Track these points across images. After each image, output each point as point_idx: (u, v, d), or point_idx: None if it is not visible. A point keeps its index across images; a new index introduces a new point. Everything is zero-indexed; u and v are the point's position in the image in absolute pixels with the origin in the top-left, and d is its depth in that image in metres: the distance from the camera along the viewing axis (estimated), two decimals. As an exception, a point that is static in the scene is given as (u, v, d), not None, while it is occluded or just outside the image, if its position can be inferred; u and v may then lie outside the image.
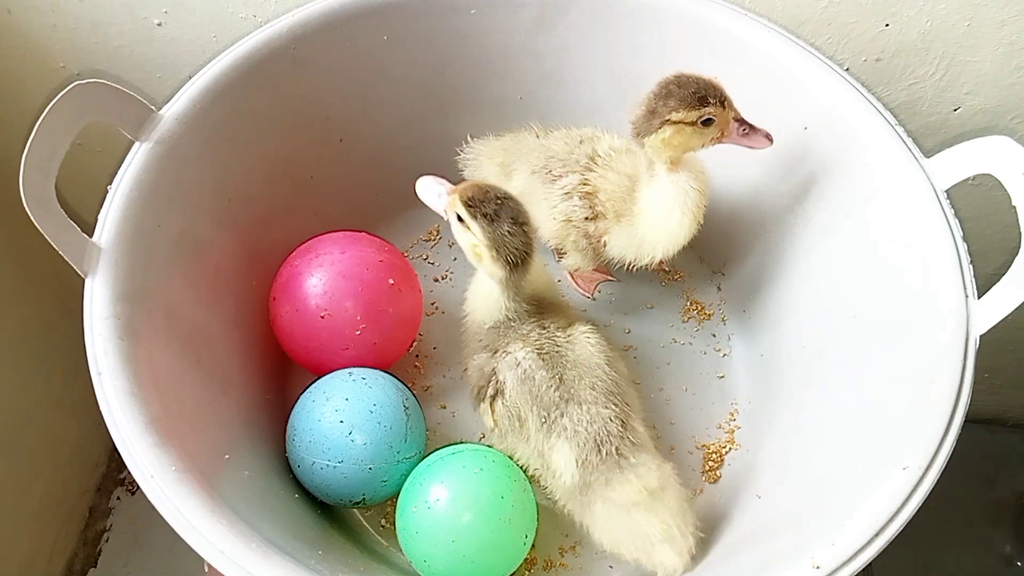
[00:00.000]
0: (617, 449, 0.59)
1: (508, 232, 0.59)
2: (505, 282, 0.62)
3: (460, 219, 0.60)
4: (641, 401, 0.68)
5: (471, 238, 0.60)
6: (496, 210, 0.59)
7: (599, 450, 0.59)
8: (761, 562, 0.53)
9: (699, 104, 0.61)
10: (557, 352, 0.63)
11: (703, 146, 0.63)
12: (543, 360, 0.62)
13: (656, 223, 0.67)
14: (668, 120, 0.61)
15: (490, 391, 0.63)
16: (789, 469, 0.63)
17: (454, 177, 0.78)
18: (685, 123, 0.61)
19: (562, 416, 0.61)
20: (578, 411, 0.60)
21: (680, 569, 0.58)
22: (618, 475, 0.58)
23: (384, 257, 0.68)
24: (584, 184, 0.69)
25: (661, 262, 0.76)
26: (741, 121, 0.63)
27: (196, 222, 0.64)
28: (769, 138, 0.63)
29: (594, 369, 0.62)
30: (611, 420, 0.60)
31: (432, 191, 0.64)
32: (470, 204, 0.59)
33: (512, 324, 0.65)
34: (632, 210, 0.68)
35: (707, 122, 0.61)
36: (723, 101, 0.61)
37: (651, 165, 0.66)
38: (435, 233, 0.84)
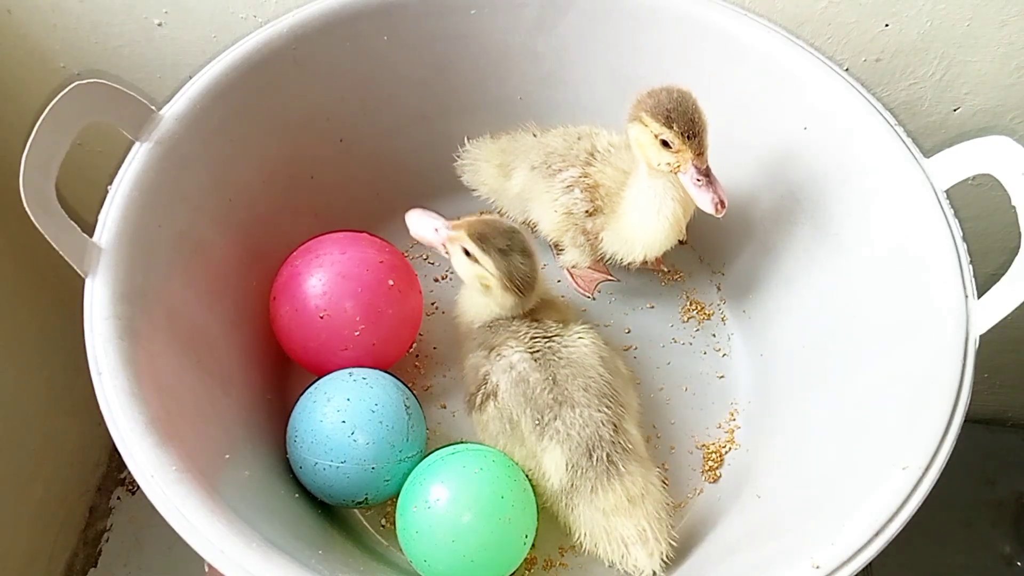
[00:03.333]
0: (608, 456, 0.60)
1: (520, 264, 0.62)
2: (512, 307, 0.65)
3: (467, 253, 0.63)
4: (640, 401, 0.69)
5: (478, 270, 0.63)
6: (508, 244, 0.62)
7: (590, 456, 0.60)
8: (761, 562, 0.53)
9: (663, 121, 0.60)
10: (550, 349, 0.64)
11: (658, 165, 0.62)
12: (536, 362, 0.63)
13: (635, 224, 0.68)
14: (639, 117, 0.61)
15: (479, 398, 0.64)
16: (789, 469, 0.63)
17: (452, 183, 0.78)
18: (650, 129, 0.61)
19: (555, 419, 0.61)
20: (571, 414, 0.61)
21: (650, 572, 0.59)
22: (605, 484, 0.59)
23: (384, 258, 0.68)
24: (585, 177, 0.70)
25: (659, 261, 0.77)
26: (702, 171, 0.60)
27: (196, 222, 0.64)
28: (718, 206, 0.60)
29: (587, 369, 0.63)
30: (603, 424, 0.61)
31: (427, 226, 0.65)
32: (482, 240, 0.62)
33: (502, 323, 0.66)
34: (621, 207, 0.69)
35: (664, 144, 0.60)
36: (688, 137, 0.59)
37: (637, 164, 0.66)
38: (435, 233, 0.84)
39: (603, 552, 0.60)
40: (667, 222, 0.66)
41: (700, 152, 0.60)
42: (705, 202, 0.61)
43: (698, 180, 0.61)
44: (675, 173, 0.62)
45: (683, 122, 0.59)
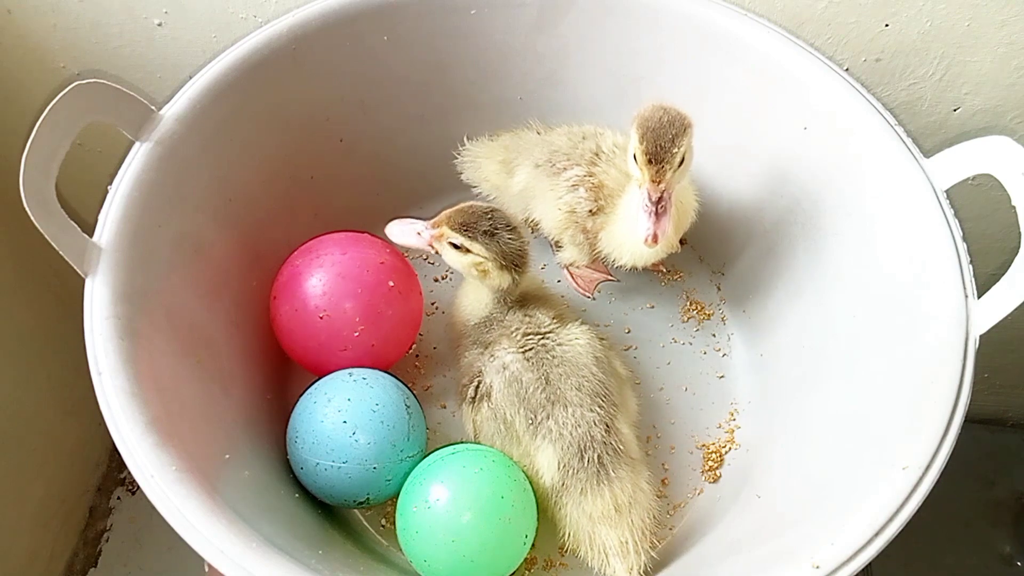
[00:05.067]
0: (599, 457, 0.60)
1: (509, 239, 0.63)
2: (508, 287, 0.65)
3: (455, 246, 0.63)
4: (639, 401, 0.69)
5: (472, 258, 0.63)
6: (491, 225, 0.62)
7: (582, 456, 0.60)
8: (761, 562, 0.53)
9: (640, 135, 0.59)
10: (543, 347, 0.64)
11: (633, 180, 0.62)
12: (529, 361, 0.63)
13: (626, 230, 0.68)
14: (632, 122, 0.61)
15: (471, 392, 0.65)
16: (789, 469, 0.63)
17: (451, 177, 0.78)
18: (631, 138, 0.61)
19: (548, 418, 0.61)
20: (563, 413, 0.61)
21: None
22: (594, 487, 0.60)
23: (385, 259, 0.68)
24: (590, 176, 0.70)
25: (659, 261, 0.77)
26: (654, 199, 0.60)
27: (196, 222, 0.64)
28: (648, 238, 0.60)
29: (580, 369, 0.63)
30: (595, 424, 0.61)
31: (409, 231, 0.66)
32: (465, 228, 0.63)
33: (496, 317, 0.67)
34: (617, 211, 0.69)
35: (635, 158, 0.60)
36: (649, 161, 0.59)
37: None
38: (435, 233, 0.84)
39: (584, 555, 0.61)
40: None
41: (656, 180, 0.60)
42: (640, 228, 0.61)
43: (647, 206, 0.61)
44: (640, 187, 0.62)
45: (652, 144, 0.59)
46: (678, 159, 0.59)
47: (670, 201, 0.61)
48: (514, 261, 0.63)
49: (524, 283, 0.68)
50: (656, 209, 0.60)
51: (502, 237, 0.62)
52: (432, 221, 0.65)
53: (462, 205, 0.65)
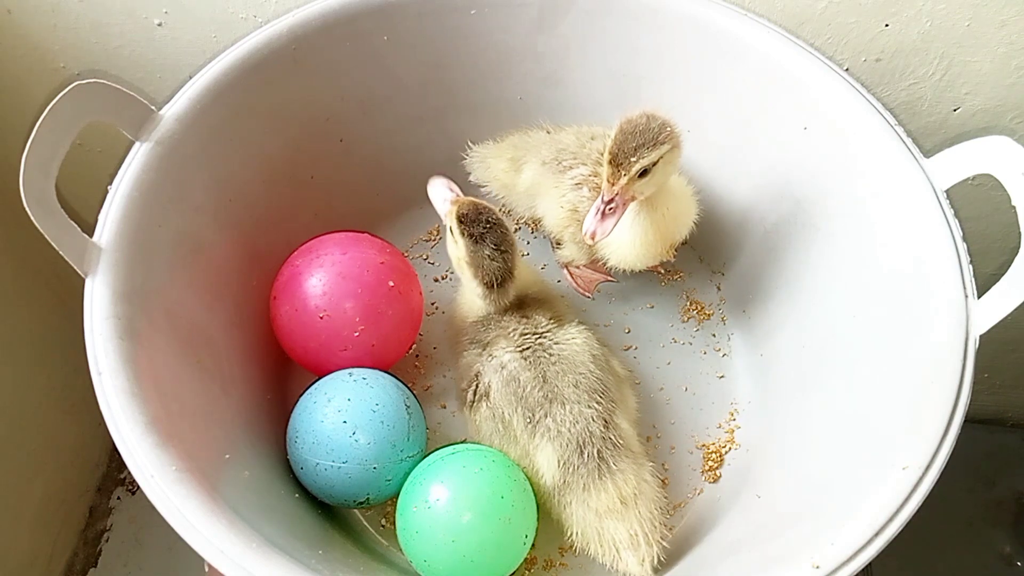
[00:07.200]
0: (599, 452, 0.60)
1: (488, 256, 0.63)
2: (484, 296, 0.66)
3: (452, 232, 0.64)
4: (639, 401, 0.69)
5: (457, 251, 0.64)
6: (482, 233, 0.62)
7: (581, 452, 0.60)
8: (761, 562, 0.53)
9: (613, 133, 0.60)
10: (540, 346, 0.64)
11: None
12: (526, 360, 0.63)
13: (614, 233, 0.68)
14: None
15: (470, 395, 0.65)
16: (789, 469, 0.63)
17: (457, 178, 0.78)
18: None
19: (546, 416, 0.61)
20: (561, 411, 0.61)
21: None
22: (596, 481, 0.59)
23: (385, 259, 0.68)
24: (595, 176, 0.70)
25: (657, 263, 0.77)
26: (605, 199, 0.61)
27: (196, 222, 0.64)
28: (588, 233, 0.62)
29: (577, 366, 0.63)
30: (593, 420, 0.61)
31: (440, 196, 0.67)
32: (461, 221, 0.63)
33: (494, 317, 0.67)
34: None
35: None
36: (612, 162, 0.59)
37: None
38: (435, 233, 0.84)
39: (595, 553, 0.60)
40: (638, 240, 0.67)
41: (611, 181, 0.60)
42: (585, 223, 0.63)
43: (598, 205, 0.62)
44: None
45: (616, 146, 0.60)
46: (636, 169, 0.60)
47: (623, 207, 0.62)
48: (484, 278, 0.64)
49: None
50: (604, 209, 0.61)
51: (484, 251, 0.62)
52: (458, 199, 0.65)
53: (480, 202, 0.64)
